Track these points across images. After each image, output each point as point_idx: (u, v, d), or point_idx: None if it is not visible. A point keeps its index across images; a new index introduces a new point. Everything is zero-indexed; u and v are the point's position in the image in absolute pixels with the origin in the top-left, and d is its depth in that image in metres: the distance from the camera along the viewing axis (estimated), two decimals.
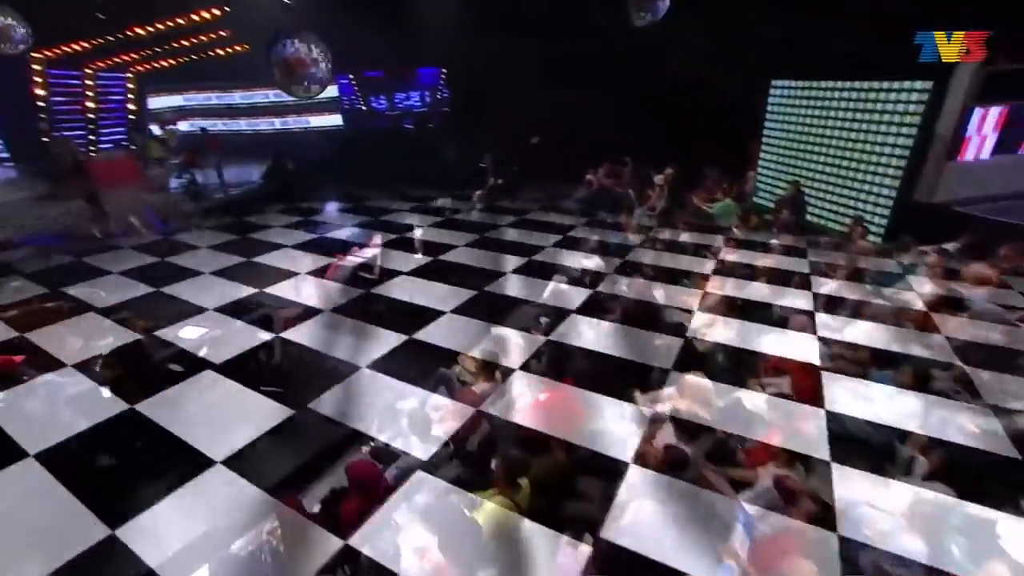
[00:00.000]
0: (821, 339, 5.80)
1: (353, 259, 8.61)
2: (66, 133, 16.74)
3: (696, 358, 5.40)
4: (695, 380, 4.66)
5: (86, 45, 16.28)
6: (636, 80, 12.36)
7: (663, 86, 12.05)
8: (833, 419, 4.41)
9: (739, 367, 5.25)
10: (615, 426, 4.31)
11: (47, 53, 15.81)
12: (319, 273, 8.01)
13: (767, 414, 4.49)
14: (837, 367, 5.22)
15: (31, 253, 9.17)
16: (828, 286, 7.37)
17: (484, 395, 4.70)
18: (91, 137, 18.13)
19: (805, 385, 4.86)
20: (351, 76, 18.59)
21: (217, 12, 14.89)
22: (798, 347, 5.61)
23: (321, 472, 3.99)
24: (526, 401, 4.63)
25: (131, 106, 19.19)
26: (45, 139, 16.23)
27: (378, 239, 9.85)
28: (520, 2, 12.92)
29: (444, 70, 17.53)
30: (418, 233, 10.47)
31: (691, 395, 4.55)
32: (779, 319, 6.33)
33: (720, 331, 5.94)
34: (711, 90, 11.52)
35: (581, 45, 12.61)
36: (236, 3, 14.18)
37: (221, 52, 17.82)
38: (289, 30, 9.70)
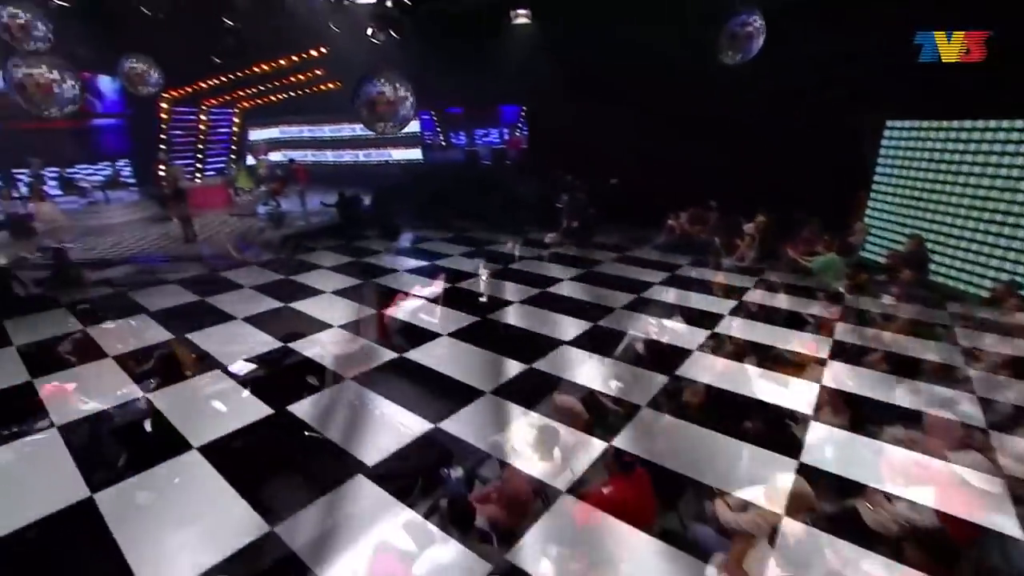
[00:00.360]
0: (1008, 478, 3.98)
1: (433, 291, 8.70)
2: (178, 162, 18.24)
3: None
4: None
5: (203, 85, 17.89)
6: (726, 119, 11.45)
7: (756, 125, 11.06)
8: None
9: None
10: None
11: (172, 93, 17.44)
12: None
13: None
14: None
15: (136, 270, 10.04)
16: (999, 387, 5.46)
17: None
18: (198, 165, 19.72)
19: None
20: (433, 112, 19.06)
21: (314, 53, 15.79)
22: (962, 485, 3.91)
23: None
24: None
25: (235, 138, 20.73)
26: (161, 167, 17.72)
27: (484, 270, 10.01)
28: (603, 42, 12.54)
29: (525, 107, 17.51)
30: (485, 274, 10.06)
31: None
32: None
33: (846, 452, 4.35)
34: (812, 130, 10.39)
35: (664, 80, 11.92)
36: (332, 44, 14.89)
37: (315, 89, 18.94)
38: (376, 70, 9.99)
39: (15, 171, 15.70)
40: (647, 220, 12.43)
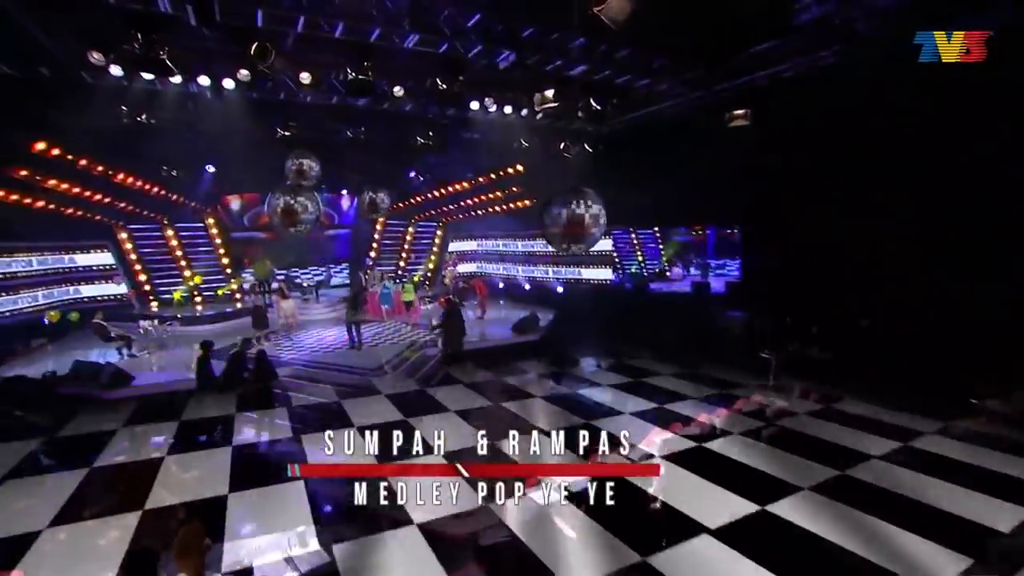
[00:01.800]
0: None
1: None
2: (380, 268, 19.53)
3: None
4: None
5: (414, 201, 19.36)
6: None
7: None
8: None
9: None
10: None
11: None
12: None
13: None
14: None
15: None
16: None
17: None
18: (399, 272, 20.95)
19: None
20: (631, 230, 17.33)
21: (513, 171, 15.68)
22: None
23: None
24: None
25: (435, 248, 21.81)
26: (364, 272, 19.09)
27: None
28: (839, 140, 9.38)
29: (738, 228, 14.60)
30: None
31: None
32: None
33: None
34: None
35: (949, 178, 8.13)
36: (528, 160, 14.46)
37: (509, 207, 18.97)
38: (568, 191, 8.77)
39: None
40: (927, 382, 8.14)
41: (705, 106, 10.48)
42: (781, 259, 11.68)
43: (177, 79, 7.81)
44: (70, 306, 14.54)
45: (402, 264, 21.22)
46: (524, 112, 10.71)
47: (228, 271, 17.32)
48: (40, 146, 10.69)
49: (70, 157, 11.24)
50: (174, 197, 14.55)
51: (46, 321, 12.82)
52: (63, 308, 13.90)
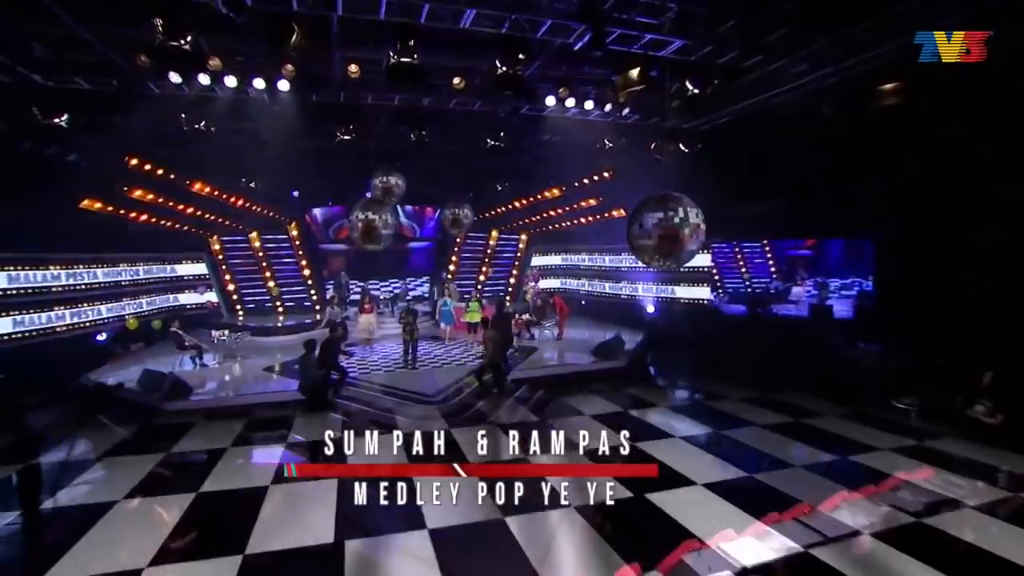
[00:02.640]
0: None
1: None
2: (458, 283, 18.84)
3: None
4: None
5: (494, 212, 18.50)
6: None
7: None
8: None
9: None
10: None
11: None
12: None
13: None
14: None
15: None
16: None
17: None
18: (477, 288, 20.12)
19: None
20: (735, 244, 15.14)
21: (599, 178, 14.25)
22: None
23: None
24: None
25: (516, 263, 20.76)
26: (443, 286, 18.47)
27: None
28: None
29: (873, 238, 12.00)
30: None
31: None
32: None
33: None
34: None
35: None
36: (617, 165, 12.99)
37: (596, 217, 17.49)
38: (660, 198, 7.40)
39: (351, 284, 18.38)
40: None
41: (833, 88, 8.41)
42: (933, 278, 9.16)
43: (232, 81, 7.45)
44: (171, 313, 15.26)
45: (481, 279, 20.41)
46: (608, 108, 9.32)
47: (309, 282, 17.44)
48: (134, 161, 11.13)
49: (160, 172, 11.59)
50: (257, 208, 14.80)
51: (125, 328, 13.29)
52: (159, 316, 14.48)
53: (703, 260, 14.59)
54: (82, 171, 10.80)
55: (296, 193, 15.05)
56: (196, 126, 8.44)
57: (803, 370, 10.21)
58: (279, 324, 15.56)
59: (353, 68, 6.92)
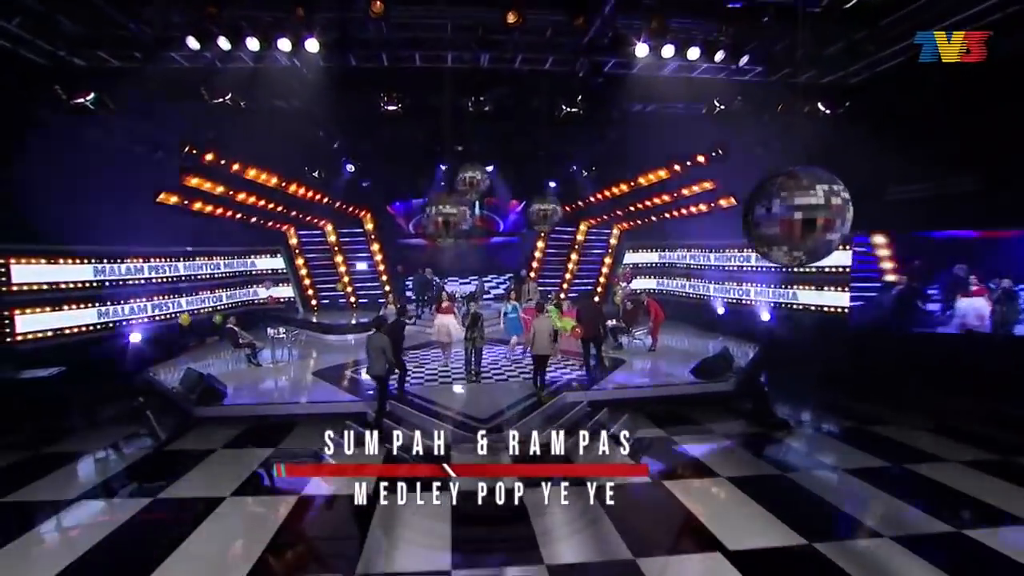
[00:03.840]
0: None
1: None
2: (542, 281, 17.12)
3: None
4: None
5: (581, 204, 16.55)
6: None
7: None
8: None
9: None
10: None
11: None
12: None
13: None
14: None
15: None
16: None
17: None
18: (564, 285, 18.26)
19: None
20: (884, 235, 11.83)
21: (704, 159, 11.81)
22: None
23: None
24: None
25: (607, 259, 18.60)
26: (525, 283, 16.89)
27: None
28: None
29: None
30: None
31: None
32: None
33: None
34: None
35: None
36: (731, 137, 10.56)
37: (710, 206, 14.87)
38: (788, 174, 5.44)
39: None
40: None
41: None
42: None
43: (254, 44, 6.36)
44: (248, 308, 15.20)
45: (568, 276, 18.52)
46: (720, 56, 7.07)
47: (384, 278, 16.67)
48: (209, 157, 10.77)
49: (223, 162, 11.15)
50: (326, 200, 14.17)
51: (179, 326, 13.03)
52: (225, 311, 14.23)
53: (839, 258, 11.54)
54: (152, 162, 10.57)
55: (366, 184, 14.17)
56: (229, 100, 7.48)
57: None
58: (352, 322, 14.88)
59: (377, 5, 5.45)
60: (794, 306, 13.35)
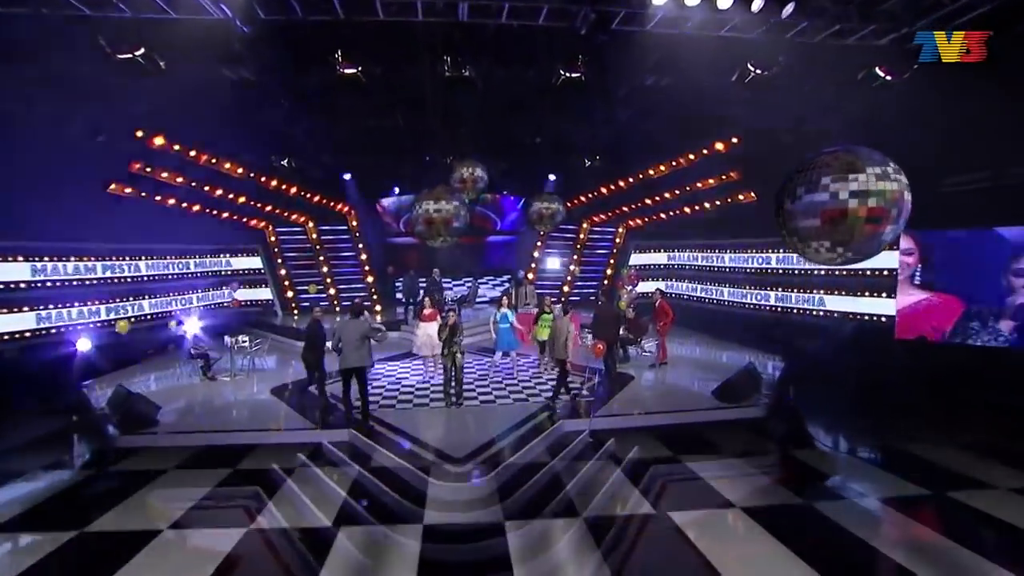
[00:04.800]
0: None
1: None
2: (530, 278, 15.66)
3: None
4: None
5: (585, 199, 15.12)
6: None
7: None
8: None
9: None
10: None
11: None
12: None
13: None
14: None
15: None
16: None
17: None
18: (565, 288, 16.85)
19: None
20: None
21: (724, 146, 10.37)
22: None
23: None
24: None
25: (611, 260, 17.13)
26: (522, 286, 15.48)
27: None
28: None
29: None
30: None
31: None
32: None
33: None
34: None
35: None
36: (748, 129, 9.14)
37: (719, 203, 13.44)
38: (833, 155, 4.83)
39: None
40: None
41: None
42: None
43: None
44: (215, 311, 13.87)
45: (569, 278, 17.08)
46: (757, 5, 5.64)
47: (369, 279, 15.27)
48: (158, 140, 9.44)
49: (176, 147, 9.83)
50: (305, 194, 12.82)
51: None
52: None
53: (885, 259, 10.01)
54: (96, 148, 9.24)
55: (348, 176, 12.83)
56: (141, 56, 6.01)
57: None
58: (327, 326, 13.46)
59: None
60: (820, 313, 11.86)
